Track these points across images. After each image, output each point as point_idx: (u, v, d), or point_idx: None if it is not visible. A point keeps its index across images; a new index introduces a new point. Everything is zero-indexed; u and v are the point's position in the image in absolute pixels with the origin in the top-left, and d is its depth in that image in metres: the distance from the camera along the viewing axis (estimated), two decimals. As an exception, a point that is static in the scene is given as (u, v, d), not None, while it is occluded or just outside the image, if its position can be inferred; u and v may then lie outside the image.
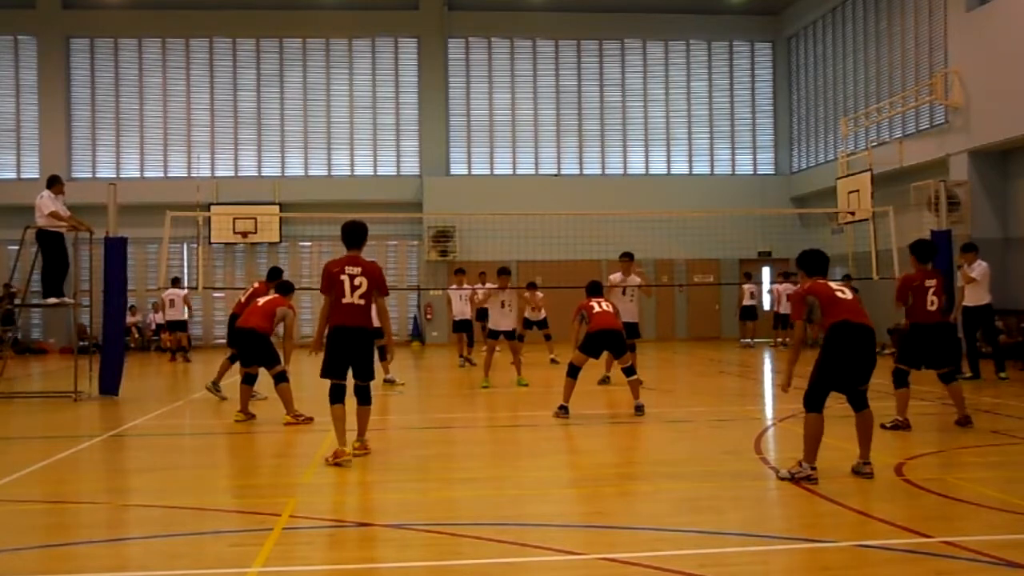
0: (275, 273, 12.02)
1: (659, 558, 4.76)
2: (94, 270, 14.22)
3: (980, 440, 8.40)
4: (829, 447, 8.12)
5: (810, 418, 6.65)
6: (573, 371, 10.16)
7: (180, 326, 20.70)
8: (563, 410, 10.02)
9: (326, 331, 7.56)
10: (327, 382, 7.61)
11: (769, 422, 9.76)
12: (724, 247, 24.06)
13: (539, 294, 17.03)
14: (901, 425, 8.90)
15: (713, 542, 5.17)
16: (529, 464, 7.85)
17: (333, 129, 26.90)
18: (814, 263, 7.06)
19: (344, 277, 7.46)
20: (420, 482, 6.96)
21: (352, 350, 7.48)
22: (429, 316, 26.04)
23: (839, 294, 6.75)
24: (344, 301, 7.44)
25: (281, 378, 10.09)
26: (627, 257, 13.66)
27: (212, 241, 24.55)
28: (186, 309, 20.49)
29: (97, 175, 25.95)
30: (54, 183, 12.85)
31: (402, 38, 27.01)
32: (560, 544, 5.09)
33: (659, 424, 9.71)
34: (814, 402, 6.66)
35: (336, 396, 7.54)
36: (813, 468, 6.59)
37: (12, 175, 25.93)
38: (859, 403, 6.90)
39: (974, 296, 13.47)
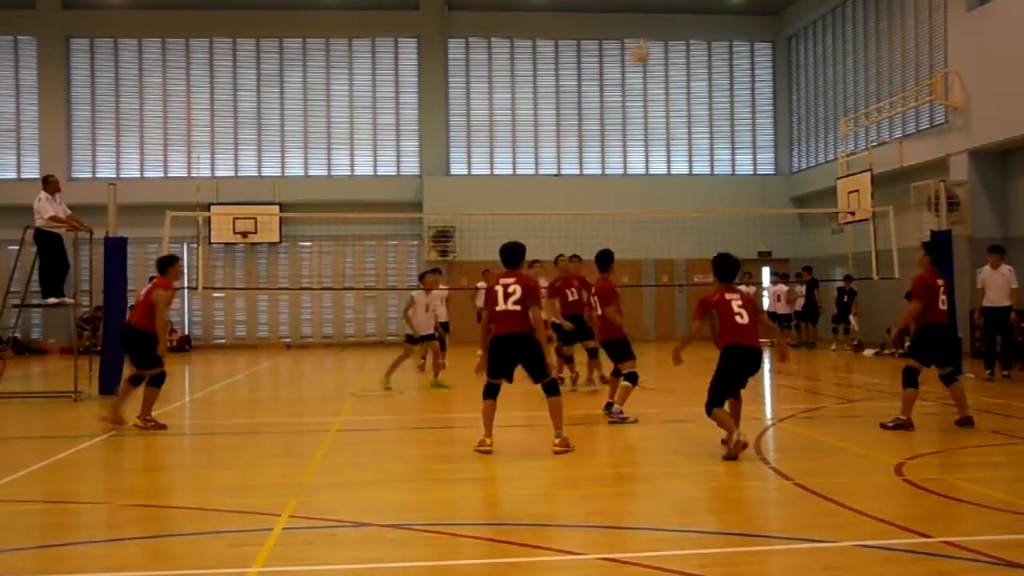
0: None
1: (659, 558, 4.75)
2: (94, 270, 14.22)
3: (981, 440, 8.39)
4: (828, 447, 8.14)
5: (717, 413, 7.58)
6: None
7: None
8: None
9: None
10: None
11: (769, 422, 9.76)
12: (724, 247, 23.70)
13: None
14: (904, 424, 8.86)
15: (713, 542, 5.17)
16: (529, 464, 7.85)
17: (333, 129, 26.90)
18: (725, 269, 7.86)
19: (499, 288, 7.86)
20: (420, 482, 6.96)
21: (515, 356, 7.84)
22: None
23: (738, 318, 7.54)
24: (497, 309, 7.83)
25: (157, 381, 9.48)
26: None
27: (212, 241, 24.55)
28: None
29: (97, 175, 25.93)
30: (48, 182, 12.82)
31: (402, 38, 27.01)
32: (560, 544, 5.09)
33: (659, 424, 9.71)
34: (717, 402, 7.59)
35: (488, 393, 7.96)
36: (736, 442, 7.45)
37: (12, 175, 25.91)
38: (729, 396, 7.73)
39: (996, 297, 13.52)
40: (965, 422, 8.98)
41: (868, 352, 19.36)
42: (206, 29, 26.44)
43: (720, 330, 7.59)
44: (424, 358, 16.59)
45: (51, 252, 12.68)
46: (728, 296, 7.62)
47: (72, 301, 13.39)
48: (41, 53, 26.03)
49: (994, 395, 11.74)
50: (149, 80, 26.48)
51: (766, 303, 23.04)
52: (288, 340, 26.23)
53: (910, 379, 8.92)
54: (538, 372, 7.90)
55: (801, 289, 22.07)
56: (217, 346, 25.87)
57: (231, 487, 6.88)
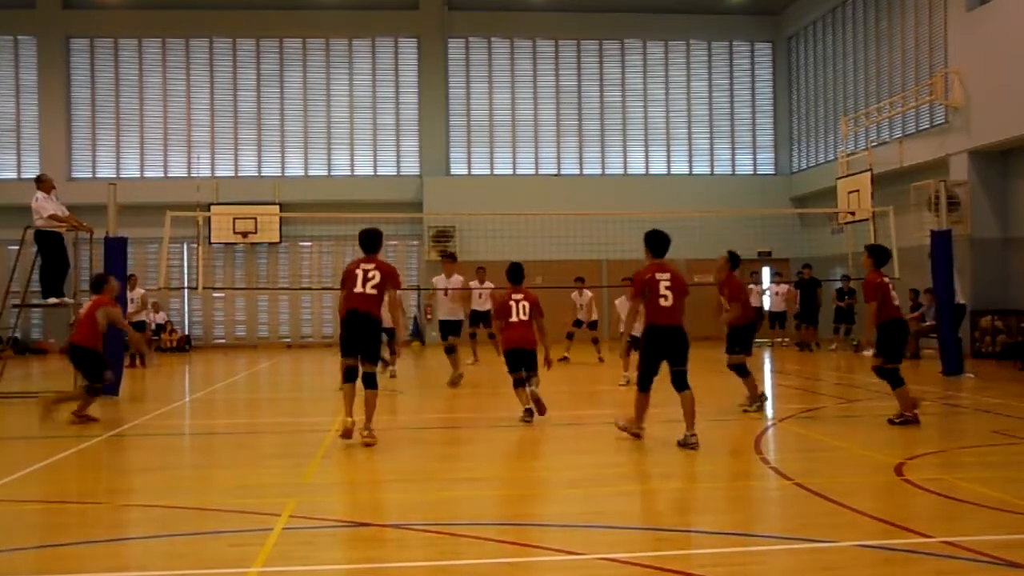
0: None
1: (659, 558, 4.75)
2: (94, 270, 14.20)
3: (980, 440, 8.40)
4: (829, 447, 8.15)
5: (639, 396, 8.18)
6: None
7: (138, 327, 18.97)
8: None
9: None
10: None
11: (769, 422, 9.76)
12: (724, 247, 23.82)
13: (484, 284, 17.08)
14: (910, 420, 8.97)
15: (713, 542, 5.17)
16: (529, 464, 7.86)
17: (333, 129, 26.89)
18: (658, 245, 8.45)
19: (359, 271, 8.21)
20: (420, 482, 6.96)
21: (360, 333, 8.12)
22: (429, 316, 26.03)
23: (662, 300, 8.08)
24: (356, 290, 8.14)
25: (95, 392, 10.12)
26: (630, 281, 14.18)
27: (212, 241, 24.53)
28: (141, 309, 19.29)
29: (97, 175, 25.93)
30: (43, 181, 12.80)
31: (402, 38, 27.01)
32: (560, 544, 5.09)
33: (659, 424, 9.70)
34: (643, 384, 8.14)
35: (348, 376, 8.20)
36: (641, 428, 8.28)
37: (12, 175, 25.90)
38: (679, 385, 8.12)
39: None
40: (904, 420, 9.00)
41: (868, 352, 19.30)
42: (206, 29, 26.44)
43: (646, 309, 8.11)
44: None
45: (52, 252, 12.67)
46: (659, 276, 8.17)
47: (72, 301, 13.37)
48: (41, 53, 26.02)
49: (994, 395, 11.75)
50: (149, 80, 26.47)
51: (767, 302, 23.06)
52: (288, 340, 26.23)
53: (895, 378, 9.08)
54: (371, 357, 8.17)
55: (789, 288, 22.08)
56: (217, 346, 25.86)
57: (231, 487, 6.88)
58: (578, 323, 18.12)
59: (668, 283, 8.14)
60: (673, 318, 8.14)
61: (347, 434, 8.06)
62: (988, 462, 7.54)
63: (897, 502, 6.01)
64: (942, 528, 5.27)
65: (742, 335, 10.20)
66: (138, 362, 18.94)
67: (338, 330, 8.39)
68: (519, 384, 9.62)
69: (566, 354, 17.78)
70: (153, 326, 24.63)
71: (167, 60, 26.56)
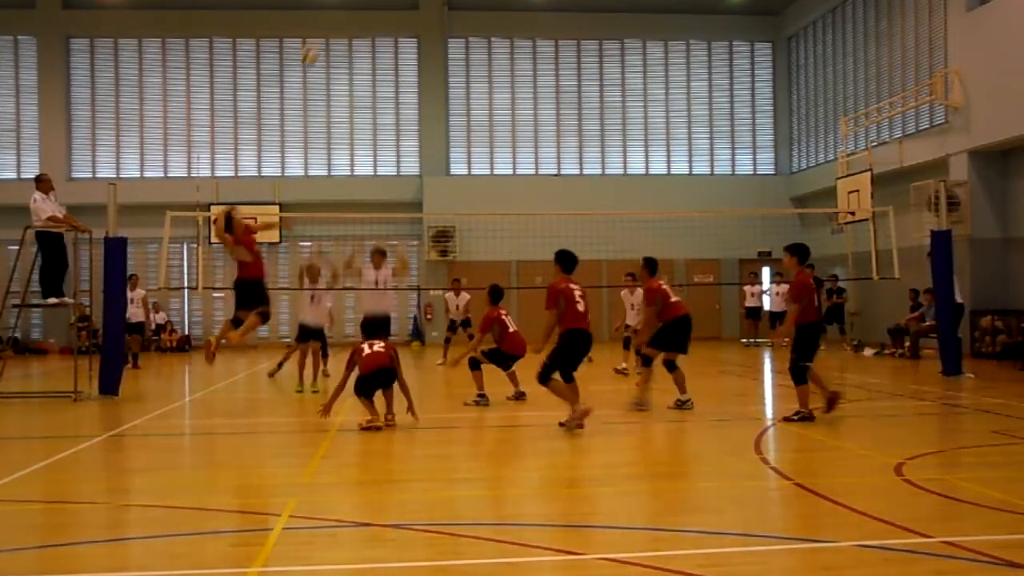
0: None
1: (659, 558, 4.76)
2: (94, 270, 14.22)
3: (980, 440, 8.40)
4: (829, 447, 8.15)
5: (552, 384, 8.88)
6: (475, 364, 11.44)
7: (133, 328, 17.91)
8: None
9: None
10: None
11: (769, 422, 9.76)
12: (724, 247, 24.04)
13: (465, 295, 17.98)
14: (807, 416, 9.33)
15: (713, 542, 5.17)
16: (529, 464, 7.86)
17: (333, 129, 26.89)
18: (569, 262, 9.14)
19: (365, 345, 9.60)
20: (420, 482, 6.96)
21: (380, 380, 9.52)
22: (429, 316, 26.04)
23: (578, 306, 8.83)
24: (366, 353, 9.46)
25: (264, 316, 11.38)
26: (631, 277, 14.93)
27: (212, 241, 24.45)
28: (141, 310, 18.33)
29: (97, 175, 25.93)
30: (41, 181, 12.80)
31: (402, 38, 27.01)
32: (560, 544, 5.10)
33: (659, 424, 9.71)
34: (544, 378, 8.86)
35: (366, 393, 9.47)
36: (582, 411, 8.82)
37: (12, 175, 25.90)
38: (571, 379, 9.01)
39: None
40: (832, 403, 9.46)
41: (868, 352, 19.35)
42: (206, 29, 26.44)
43: (563, 315, 8.86)
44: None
45: (52, 252, 12.67)
46: (572, 286, 8.97)
47: (72, 301, 13.38)
48: (41, 53, 26.02)
49: (994, 395, 11.75)
50: (149, 80, 26.47)
51: (767, 302, 23.08)
52: (288, 340, 26.21)
53: (801, 376, 9.43)
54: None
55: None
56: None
57: (231, 487, 6.88)
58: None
59: (580, 292, 8.95)
60: (588, 323, 8.97)
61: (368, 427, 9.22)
62: (988, 462, 7.55)
63: (897, 502, 6.01)
64: (942, 528, 5.27)
65: (672, 333, 10.57)
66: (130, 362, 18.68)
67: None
68: (508, 369, 11.55)
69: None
70: (153, 326, 24.65)
71: (167, 60, 26.56)
